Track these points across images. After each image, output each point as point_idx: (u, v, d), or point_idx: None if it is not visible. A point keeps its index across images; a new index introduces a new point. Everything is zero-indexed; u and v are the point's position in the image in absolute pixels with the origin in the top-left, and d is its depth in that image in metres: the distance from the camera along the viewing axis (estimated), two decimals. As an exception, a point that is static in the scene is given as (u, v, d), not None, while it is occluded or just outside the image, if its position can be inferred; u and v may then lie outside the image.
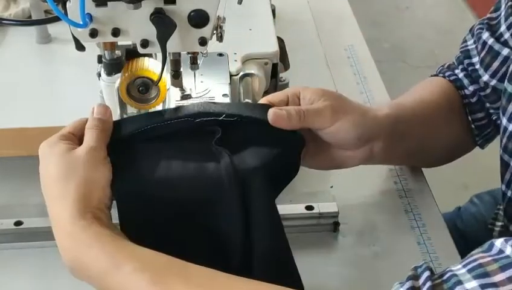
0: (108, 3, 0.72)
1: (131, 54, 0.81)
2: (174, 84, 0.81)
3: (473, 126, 0.99)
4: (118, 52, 0.79)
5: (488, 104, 0.97)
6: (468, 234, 1.18)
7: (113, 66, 0.80)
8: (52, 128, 0.94)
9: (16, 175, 0.97)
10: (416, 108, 0.94)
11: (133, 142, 0.76)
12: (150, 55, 0.82)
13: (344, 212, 0.91)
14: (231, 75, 0.93)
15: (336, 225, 0.91)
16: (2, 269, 0.85)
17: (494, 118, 0.99)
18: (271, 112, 0.76)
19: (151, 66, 0.79)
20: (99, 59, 0.80)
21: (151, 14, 0.72)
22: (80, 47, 0.78)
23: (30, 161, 0.97)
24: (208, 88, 0.83)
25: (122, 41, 0.77)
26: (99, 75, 0.85)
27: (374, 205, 0.96)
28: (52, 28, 1.13)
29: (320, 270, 0.81)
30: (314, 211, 0.90)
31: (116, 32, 0.74)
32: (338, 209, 0.91)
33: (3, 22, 1.10)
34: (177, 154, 0.75)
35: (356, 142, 0.83)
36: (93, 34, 0.74)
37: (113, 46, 0.79)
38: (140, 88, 0.79)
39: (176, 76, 0.81)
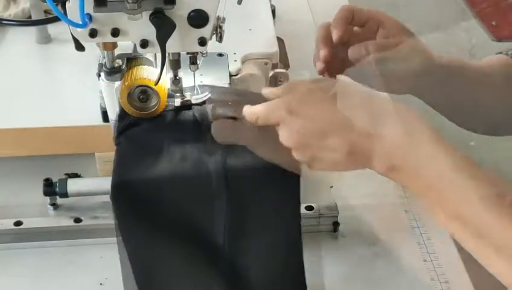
0: (108, 3, 0.72)
1: (132, 62, 0.81)
2: (173, 90, 0.81)
3: None
4: (118, 61, 0.79)
5: None
6: None
7: (113, 75, 0.79)
8: (52, 128, 0.94)
9: (16, 175, 0.97)
10: (465, 65, 0.92)
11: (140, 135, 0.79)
12: (150, 63, 0.82)
13: (344, 212, 0.91)
14: (231, 75, 0.92)
15: (335, 225, 0.91)
16: (2, 269, 0.85)
17: None
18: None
19: (150, 74, 0.79)
20: (100, 68, 0.80)
21: (151, 14, 0.72)
22: (80, 47, 0.78)
23: (30, 161, 0.97)
24: (208, 94, 0.83)
25: (121, 41, 0.77)
26: (99, 75, 0.85)
27: (374, 205, 0.96)
28: (52, 28, 1.13)
29: (320, 270, 0.81)
30: (314, 211, 0.90)
31: (115, 33, 0.74)
32: (338, 209, 0.91)
33: (3, 22, 1.11)
34: (174, 147, 0.77)
35: None
36: (93, 34, 0.74)
37: (112, 46, 0.79)
38: (141, 96, 0.79)
39: (176, 82, 0.81)
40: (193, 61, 0.81)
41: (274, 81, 0.95)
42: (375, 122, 0.70)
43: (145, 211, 0.76)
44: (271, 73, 0.94)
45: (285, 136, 0.73)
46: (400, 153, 0.69)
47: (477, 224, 0.65)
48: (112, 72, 0.79)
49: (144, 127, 0.80)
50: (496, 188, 0.66)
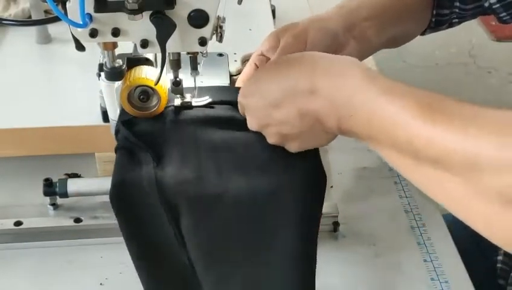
0: (109, 3, 0.72)
1: (132, 62, 0.81)
2: (174, 92, 0.81)
3: (433, 19, 0.98)
4: (118, 61, 0.79)
5: (457, 3, 0.96)
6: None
7: (114, 75, 0.79)
8: (52, 128, 0.94)
9: (16, 175, 0.97)
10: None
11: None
12: (150, 62, 0.82)
13: (344, 212, 0.91)
14: (231, 75, 0.93)
15: (335, 225, 0.91)
16: (2, 269, 0.85)
17: (454, 21, 0.99)
18: None
19: (151, 74, 0.79)
20: (101, 67, 0.80)
21: (151, 14, 0.72)
22: (80, 47, 0.78)
23: (30, 161, 0.97)
24: (208, 97, 0.83)
25: (122, 41, 0.77)
26: (99, 75, 0.85)
27: (374, 205, 0.96)
28: (52, 28, 1.13)
29: (320, 271, 0.81)
30: (314, 211, 0.90)
31: (116, 33, 0.74)
32: (338, 209, 0.91)
33: (3, 22, 1.10)
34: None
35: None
36: (93, 34, 0.74)
37: (112, 46, 0.79)
38: (141, 96, 0.79)
39: (177, 84, 0.81)
40: (194, 66, 0.81)
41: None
42: (311, 79, 0.68)
43: (144, 212, 0.76)
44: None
45: (248, 122, 0.74)
46: (340, 103, 0.66)
47: (415, 141, 0.60)
48: (112, 72, 0.79)
49: (144, 127, 0.80)
50: (426, 98, 0.62)
